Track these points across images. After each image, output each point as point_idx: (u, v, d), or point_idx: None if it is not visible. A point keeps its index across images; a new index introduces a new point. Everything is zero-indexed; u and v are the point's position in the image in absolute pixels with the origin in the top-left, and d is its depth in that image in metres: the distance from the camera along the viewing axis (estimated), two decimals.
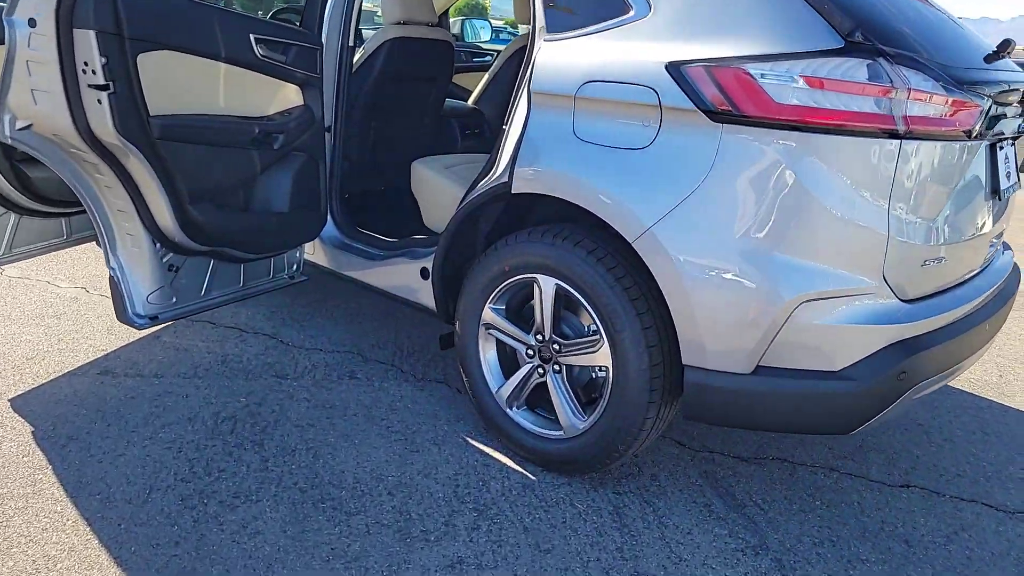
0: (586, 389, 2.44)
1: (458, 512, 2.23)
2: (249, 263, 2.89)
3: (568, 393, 2.36)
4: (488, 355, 2.56)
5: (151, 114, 2.20)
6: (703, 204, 1.95)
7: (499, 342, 2.55)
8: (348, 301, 3.74)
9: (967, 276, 2.24)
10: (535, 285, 2.36)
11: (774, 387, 1.96)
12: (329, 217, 3.14)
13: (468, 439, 2.61)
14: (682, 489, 2.41)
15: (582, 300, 2.23)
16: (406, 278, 2.85)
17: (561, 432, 2.38)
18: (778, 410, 1.99)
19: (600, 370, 2.36)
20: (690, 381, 2.06)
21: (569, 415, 2.35)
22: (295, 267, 3.10)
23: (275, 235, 2.78)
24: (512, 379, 2.49)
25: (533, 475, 2.43)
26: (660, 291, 2.11)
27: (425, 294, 2.79)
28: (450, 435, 2.63)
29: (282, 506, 2.21)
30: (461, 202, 2.61)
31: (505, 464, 2.48)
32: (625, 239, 2.10)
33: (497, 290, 2.46)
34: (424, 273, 2.77)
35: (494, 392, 2.54)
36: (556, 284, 2.29)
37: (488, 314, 2.50)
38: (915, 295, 2.01)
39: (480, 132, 4.04)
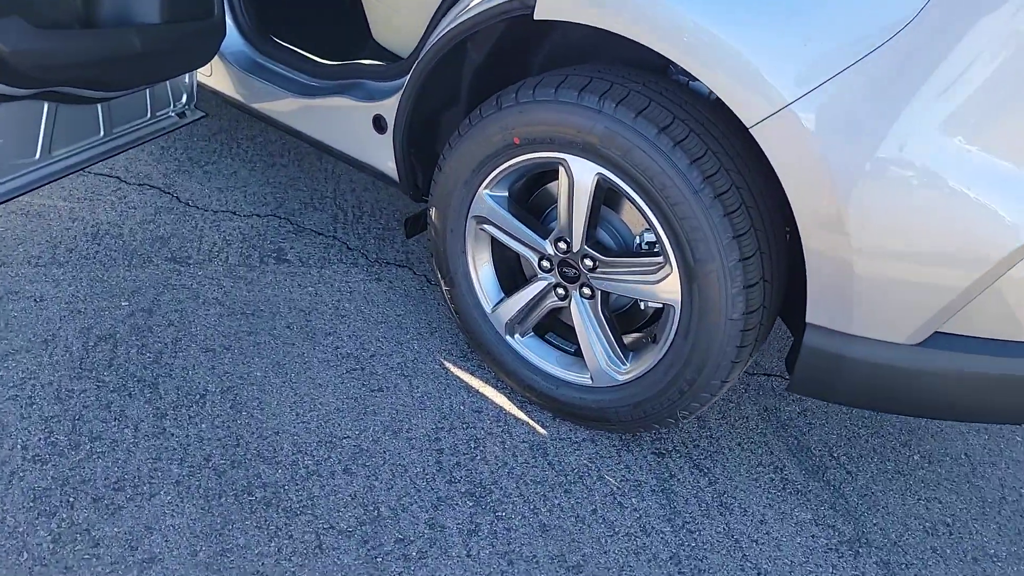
0: (625, 318, 1.72)
1: (447, 501, 1.57)
2: (112, 101, 1.92)
3: (603, 328, 1.63)
4: (480, 261, 1.77)
5: None
6: (898, 67, 1.12)
7: (496, 241, 1.76)
8: (266, 133, 2.79)
9: None
10: (561, 169, 1.53)
11: (952, 365, 1.27)
12: (230, 21, 2.13)
13: (447, 364, 1.90)
14: (741, 443, 1.79)
15: (640, 202, 1.43)
16: (350, 127, 1.95)
17: (588, 379, 1.68)
18: (949, 394, 1.32)
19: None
20: (813, 348, 1.35)
21: (601, 359, 1.64)
22: (185, 99, 2.13)
23: (144, 62, 1.79)
24: (517, 298, 1.73)
25: (542, 426, 1.77)
26: (785, 204, 1.32)
27: (380, 153, 1.91)
28: (423, 358, 1.91)
29: (190, 504, 1.51)
30: (436, 18, 1.67)
31: (502, 407, 1.80)
32: (734, 116, 1.27)
33: (498, 171, 1.62)
34: (379, 124, 1.87)
35: (488, 311, 1.79)
36: (599, 174, 1.47)
37: (483, 203, 1.67)
38: None
39: None
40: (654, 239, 1.52)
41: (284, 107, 2.07)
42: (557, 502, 1.60)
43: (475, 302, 1.79)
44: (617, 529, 1.56)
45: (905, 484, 1.75)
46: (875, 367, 1.31)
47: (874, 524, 1.65)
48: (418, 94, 1.70)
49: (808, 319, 1.34)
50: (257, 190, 2.44)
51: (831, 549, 1.58)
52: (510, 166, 1.60)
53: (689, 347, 1.47)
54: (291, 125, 2.09)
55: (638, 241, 1.57)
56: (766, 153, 1.25)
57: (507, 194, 1.67)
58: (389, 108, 1.83)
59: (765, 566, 1.53)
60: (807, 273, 1.30)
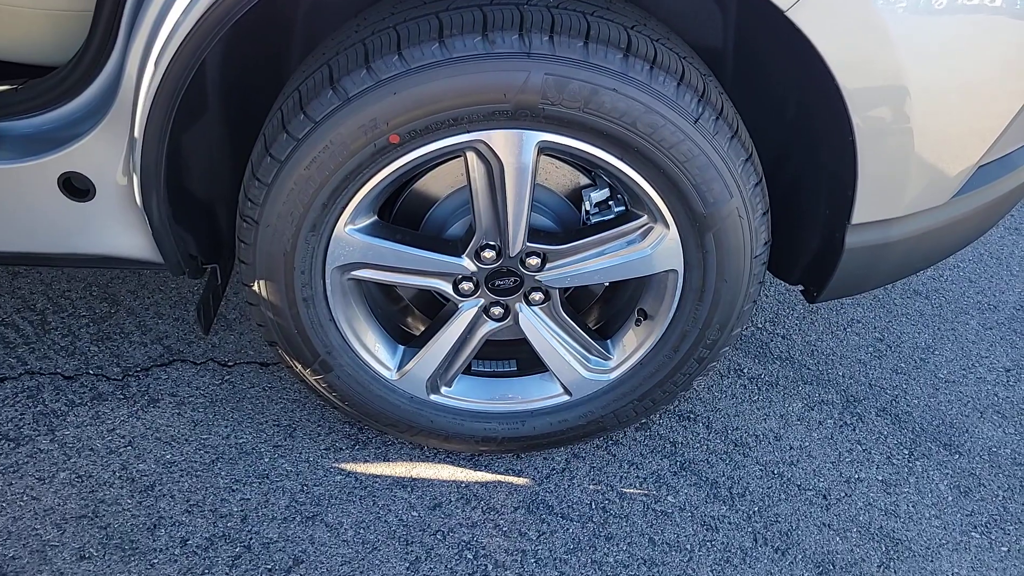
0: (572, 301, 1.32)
1: None
2: None
3: (569, 329, 1.22)
4: (357, 321, 1.19)
5: None
6: None
7: (368, 285, 1.18)
8: None
9: None
10: (471, 155, 1.02)
11: (985, 196, 1.19)
12: None
13: (348, 467, 1.32)
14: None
15: (613, 160, 1.03)
16: (14, 210, 1.11)
17: (563, 395, 1.28)
18: (981, 224, 1.26)
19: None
20: (857, 248, 1.14)
21: (578, 367, 1.24)
22: None
23: None
24: (433, 346, 1.21)
25: (517, 475, 1.34)
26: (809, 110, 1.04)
27: (94, 233, 1.14)
28: (317, 486, 1.29)
29: None
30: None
31: (458, 482, 1.32)
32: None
33: (364, 192, 1.04)
34: (74, 187, 1.08)
35: (392, 379, 1.23)
36: (542, 143, 1.00)
37: (348, 244, 1.08)
38: None
39: None
40: (604, 195, 1.13)
41: None
42: (613, 558, 1.24)
43: (370, 377, 1.22)
44: (690, 547, 1.27)
45: (823, 320, 1.72)
46: (920, 237, 1.16)
47: (843, 376, 1.60)
48: (175, 119, 0.97)
49: (854, 220, 1.11)
50: None
51: (842, 425, 1.50)
52: (383, 179, 1.02)
53: (707, 308, 1.16)
54: None
55: (587, 207, 1.15)
56: (811, 38, 0.92)
57: (376, 217, 1.10)
58: (88, 156, 1.05)
59: (821, 484, 1.39)
60: (859, 170, 1.04)
